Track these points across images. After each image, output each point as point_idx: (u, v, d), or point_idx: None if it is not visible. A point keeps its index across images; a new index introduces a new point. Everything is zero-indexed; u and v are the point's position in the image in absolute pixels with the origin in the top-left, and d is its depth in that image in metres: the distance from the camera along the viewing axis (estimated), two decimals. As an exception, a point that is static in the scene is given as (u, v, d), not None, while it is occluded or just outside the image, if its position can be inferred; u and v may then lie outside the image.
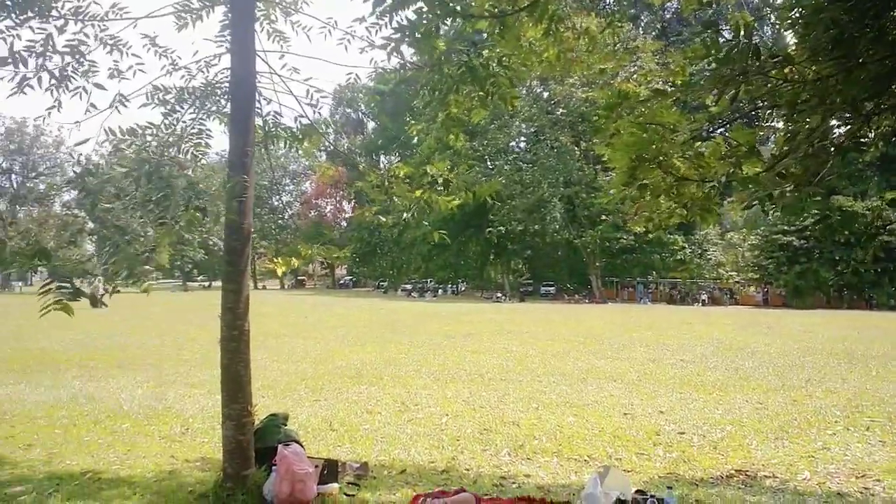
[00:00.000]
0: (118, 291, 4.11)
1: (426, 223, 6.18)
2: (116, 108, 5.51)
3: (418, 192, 6.07)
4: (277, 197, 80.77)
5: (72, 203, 71.06)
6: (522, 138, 59.70)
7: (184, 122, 5.59)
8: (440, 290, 58.96)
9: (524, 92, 54.94)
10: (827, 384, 10.44)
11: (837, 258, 40.65)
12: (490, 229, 50.70)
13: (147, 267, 4.51)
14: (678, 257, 50.54)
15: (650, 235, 48.58)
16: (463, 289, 62.88)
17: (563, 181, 50.50)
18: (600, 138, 6.00)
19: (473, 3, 5.52)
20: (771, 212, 4.50)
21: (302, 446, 5.56)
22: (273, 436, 5.56)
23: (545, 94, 56.45)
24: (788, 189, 4.23)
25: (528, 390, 9.85)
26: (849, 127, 4.10)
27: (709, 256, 51.92)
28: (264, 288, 74.92)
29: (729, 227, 56.37)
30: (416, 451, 6.55)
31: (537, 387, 10.15)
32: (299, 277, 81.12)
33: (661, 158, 5.02)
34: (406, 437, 7.12)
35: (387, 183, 6.48)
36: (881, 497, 5.23)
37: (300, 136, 6.57)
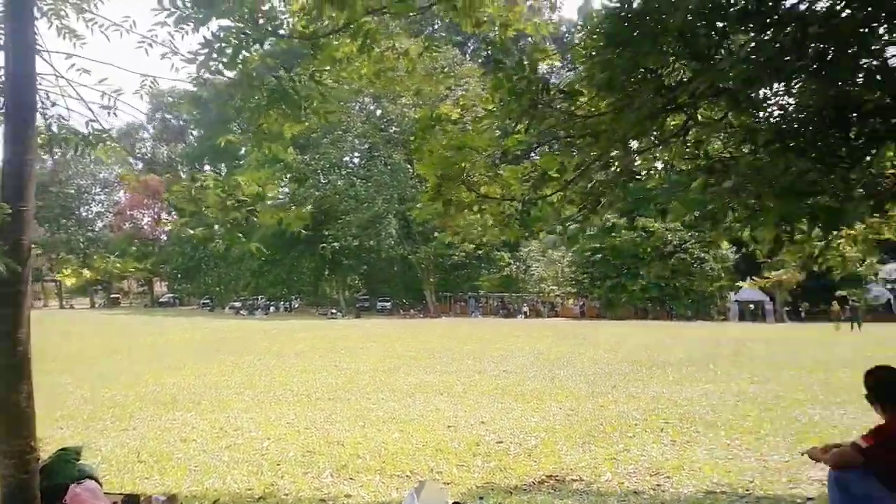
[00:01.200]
0: None
1: (241, 236, 5.88)
2: None
3: (229, 204, 5.81)
4: (86, 207, 73.57)
5: None
6: (356, 154, 59.84)
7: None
8: (272, 308, 56.91)
9: (357, 108, 55.21)
10: (630, 390, 11.46)
11: (643, 273, 45.22)
12: (324, 245, 50.06)
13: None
14: (505, 273, 53.29)
15: (479, 251, 50.84)
16: (296, 305, 61.27)
17: (398, 198, 51.27)
18: (415, 157, 6.19)
19: (286, 23, 5.42)
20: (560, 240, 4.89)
21: (99, 482, 5.06)
22: (64, 472, 4.98)
23: (378, 112, 57.11)
24: (576, 217, 4.64)
25: (355, 408, 9.78)
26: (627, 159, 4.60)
27: (532, 272, 55.23)
28: (71, 307, 67.63)
29: (550, 245, 60.42)
30: (232, 479, 6.22)
31: (365, 404, 10.11)
32: (113, 295, 73.92)
33: (465, 177, 5.29)
34: (223, 464, 6.74)
35: (194, 193, 6.12)
36: (670, 492, 5.80)
37: (93, 141, 5.99)
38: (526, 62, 3.95)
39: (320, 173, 54.45)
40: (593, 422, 8.75)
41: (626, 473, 6.37)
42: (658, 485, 6.00)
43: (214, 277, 63.06)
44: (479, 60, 53.00)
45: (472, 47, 61.12)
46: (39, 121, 5.28)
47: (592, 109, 4.38)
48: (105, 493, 4.87)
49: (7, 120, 4.71)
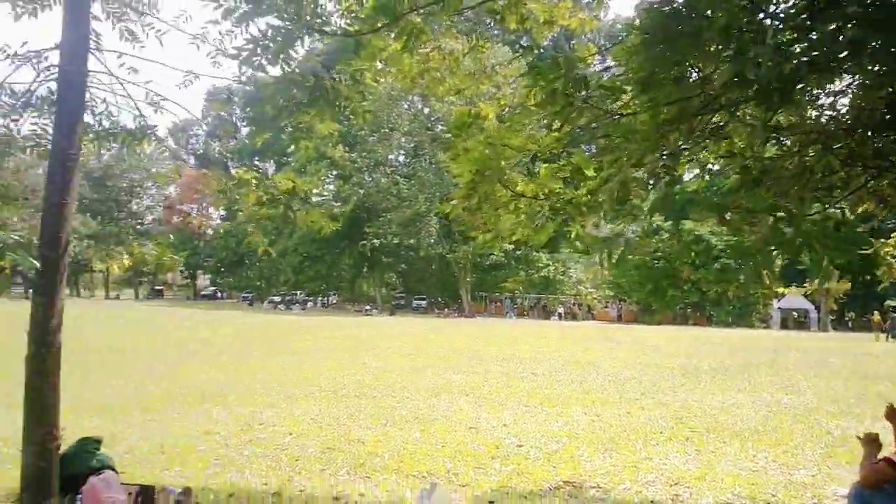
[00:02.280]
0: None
1: (260, 234, 5.98)
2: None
3: (257, 195, 5.87)
4: (138, 201, 75.82)
5: None
6: (402, 152, 60.16)
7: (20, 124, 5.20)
8: (310, 303, 57.82)
9: (405, 106, 55.58)
10: (659, 397, 11.20)
11: (685, 278, 44.25)
12: (364, 242, 50.47)
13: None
14: (543, 274, 52.90)
15: (518, 252, 50.60)
16: (334, 301, 62.03)
17: (441, 197, 51.37)
18: (450, 155, 6.13)
19: (329, 20, 5.45)
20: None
21: (116, 472, 5.15)
22: (83, 462, 5.08)
23: (426, 110, 57.38)
24: (609, 218, 4.52)
25: (380, 406, 9.78)
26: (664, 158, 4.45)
27: (570, 274, 54.71)
28: (117, 298, 69.82)
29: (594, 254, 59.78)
30: (251, 474, 6.26)
31: (390, 403, 10.11)
32: (157, 287, 76.16)
33: (501, 174, 5.21)
34: (243, 458, 6.80)
35: (229, 193, 6.24)
36: (686, 502, 5.64)
37: (139, 136, 6.17)
38: (561, 60, 3.86)
39: (365, 171, 55.04)
40: (618, 428, 8.57)
41: (645, 482, 6.21)
42: (677, 495, 5.83)
43: (256, 272, 64.19)
44: (531, 58, 52.77)
45: (525, 45, 60.74)
46: (89, 118, 5.49)
47: (632, 107, 4.26)
48: (122, 484, 4.95)
49: (57, 116, 4.88)
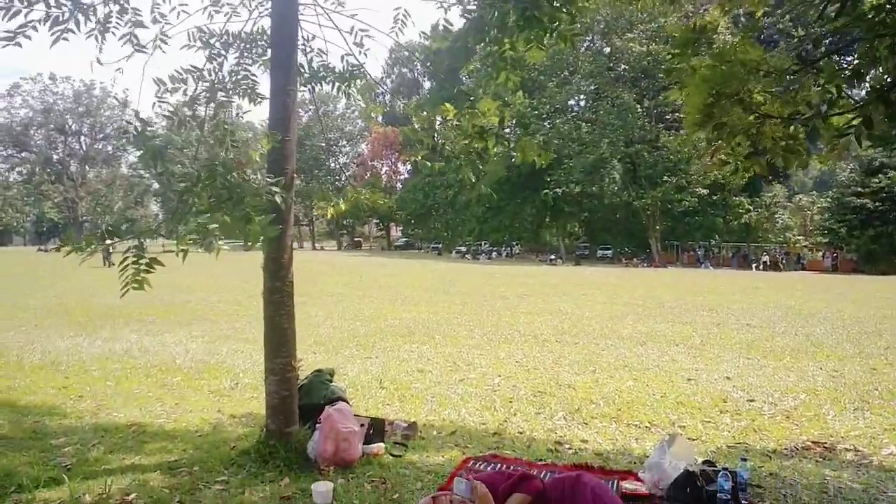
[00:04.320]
0: (185, 251, 3.80)
1: (473, 176, 5.80)
2: (160, 48, 5.27)
3: (472, 131, 5.66)
4: (334, 159, 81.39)
5: (137, 164, 73.47)
6: (582, 96, 57.99)
7: (228, 67, 5.35)
8: (494, 253, 58.70)
9: (584, 47, 53.34)
10: (909, 352, 9.69)
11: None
12: (546, 191, 49.70)
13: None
14: (743, 220, 48.68)
15: (715, 197, 46.90)
16: (517, 251, 62.39)
17: (624, 140, 48.97)
18: (673, 79, 5.45)
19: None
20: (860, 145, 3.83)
21: (349, 404, 5.37)
22: (319, 392, 5.37)
23: (606, 50, 54.79)
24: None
25: (584, 353, 9.46)
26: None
27: (776, 220, 49.76)
28: (322, 249, 76.29)
29: (797, 190, 53.85)
30: (466, 412, 6.29)
31: (594, 349, 9.75)
32: (356, 239, 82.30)
33: (741, 95, 4.49)
34: (457, 397, 6.88)
35: (431, 126, 6.13)
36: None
37: (347, 77, 6.22)
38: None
39: (545, 118, 53.85)
40: (865, 386, 7.49)
41: (914, 448, 5.29)
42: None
43: (443, 223, 66.27)
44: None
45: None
46: (301, 58, 5.56)
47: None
48: (354, 416, 5.14)
49: (273, 52, 4.99)
